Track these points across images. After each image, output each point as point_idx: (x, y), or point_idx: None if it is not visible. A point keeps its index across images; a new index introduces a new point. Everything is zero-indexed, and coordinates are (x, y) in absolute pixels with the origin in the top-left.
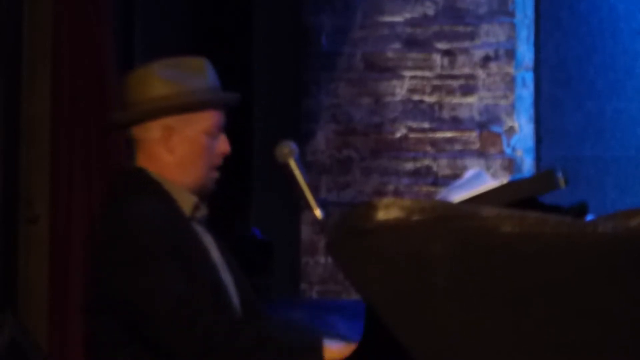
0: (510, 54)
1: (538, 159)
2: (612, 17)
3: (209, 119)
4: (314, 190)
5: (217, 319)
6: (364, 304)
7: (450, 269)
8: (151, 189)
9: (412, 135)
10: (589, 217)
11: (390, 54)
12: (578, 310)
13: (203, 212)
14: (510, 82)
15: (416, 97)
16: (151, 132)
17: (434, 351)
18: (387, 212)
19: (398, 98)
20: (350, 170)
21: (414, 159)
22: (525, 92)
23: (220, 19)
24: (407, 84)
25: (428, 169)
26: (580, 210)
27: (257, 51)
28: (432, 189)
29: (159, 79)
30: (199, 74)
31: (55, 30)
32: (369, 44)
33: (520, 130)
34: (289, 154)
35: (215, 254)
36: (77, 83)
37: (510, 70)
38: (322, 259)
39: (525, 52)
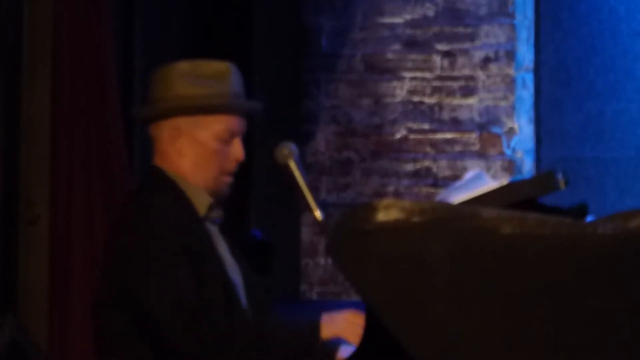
0: (511, 55)
1: (538, 160)
2: (612, 19)
3: (221, 123)
4: (314, 192)
5: (220, 320)
6: (364, 305)
7: (450, 270)
8: (166, 187)
9: (412, 136)
10: (589, 218)
11: (390, 55)
12: (578, 311)
13: (217, 213)
14: (510, 84)
15: (416, 99)
16: (163, 131)
17: (434, 352)
18: (387, 213)
19: (398, 99)
20: (350, 172)
21: (414, 160)
22: (526, 94)
23: (220, 20)
24: (407, 85)
25: (428, 170)
26: (580, 211)
27: (257, 52)
28: (432, 190)
29: (177, 79)
30: (219, 78)
31: (55, 30)
32: (369, 45)
33: (520, 131)
34: (288, 155)
35: (226, 254)
36: (77, 83)
37: (511, 71)
38: (322, 260)
39: (525, 53)
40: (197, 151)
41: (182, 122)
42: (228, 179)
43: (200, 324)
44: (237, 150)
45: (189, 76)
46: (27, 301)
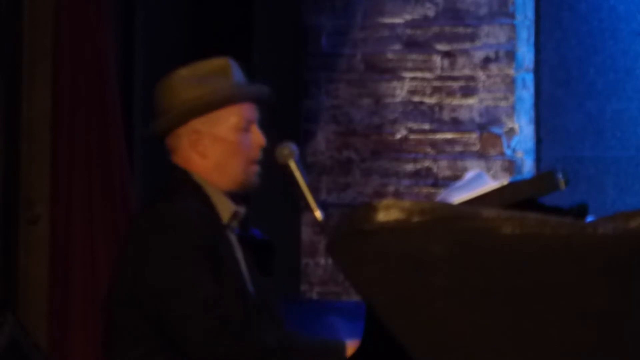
0: (511, 56)
1: (538, 160)
2: (612, 18)
3: (236, 114)
4: (314, 192)
5: (244, 325)
6: (364, 305)
7: (451, 271)
8: (192, 191)
9: (412, 136)
10: (590, 219)
11: (390, 55)
12: (578, 311)
13: (237, 223)
14: (511, 84)
15: (416, 99)
16: (180, 139)
17: (434, 352)
18: (387, 213)
19: (398, 99)
20: (350, 172)
21: (414, 160)
22: (526, 94)
23: (220, 20)
24: (407, 85)
25: (428, 170)
26: (580, 211)
27: (257, 52)
28: (432, 190)
29: (182, 84)
30: (221, 73)
31: (55, 30)
32: (369, 45)
33: (521, 131)
34: (289, 155)
35: (242, 263)
36: (77, 83)
37: (511, 71)
38: (322, 260)
39: (526, 53)
40: (221, 148)
41: (198, 123)
42: (255, 168)
43: (223, 329)
44: (257, 136)
45: (192, 79)
46: (27, 301)
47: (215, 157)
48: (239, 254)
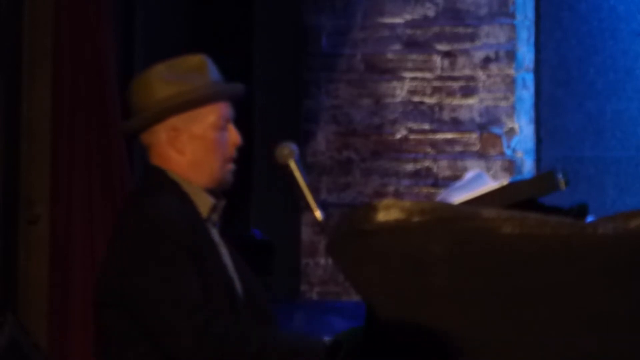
0: (511, 56)
1: (538, 160)
2: (612, 18)
3: (214, 112)
4: (314, 192)
5: (229, 325)
6: (364, 305)
7: (450, 271)
8: (170, 188)
9: (412, 136)
10: (590, 219)
11: (390, 55)
12: (578, 311)
13: (218, 216)
14: (511, 84)
15: (416, 99)
16: (159, 136)
17: (433, 352)
18: (387, 213)
19: (398, 99)
20: (350, 172)
21: (414, 160)
22: (526, 94)
23: (221, 19)
24: (407, 85)
25: (428, 170)
26: (580, 211)
27: (257, 52)
28: (432, 190)
29: (159, 81)
30: (198, 70)
31: (55, 30)
32: (369, 45)
33: (521, 131)
34: (289, 155)
35: (227, 259)
36: (77, 83)
37: (511, 71)
38: (322, 260)
39: (526, 53)
40: (198, 145)
41: (177, 120)
42: (231, 166)
43: (209, 330)
44: (234, 135)
45: (169, 76)
46: (27, 301)
47: (193, 154)
48: (222, 248)
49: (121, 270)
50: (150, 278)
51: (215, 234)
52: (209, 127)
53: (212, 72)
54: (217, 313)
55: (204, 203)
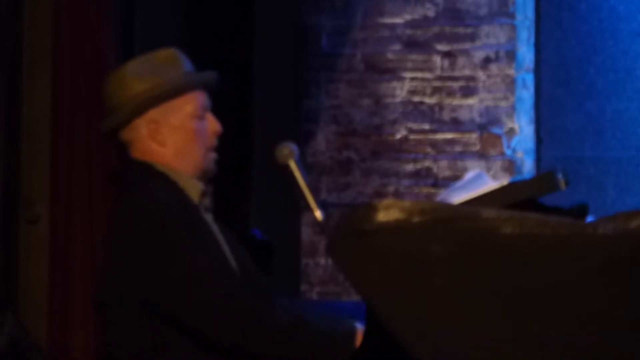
0: (511, 56)
1: (538, 160)
2: (612, 18)
3: (191, 102)
4: (314, 192)
5: (253, 301)
6: (364, 305)
7: (450, 271)
8: (159, 179)
9: (412, 136)
10: (590, 219)
11: (390, 56)
12: (578, 311)
13: (209, 201)
14: (511, 84)
15: (416, 99)
16: (139, 131)
17: (434, 352)
18: (387, 213)
19: (398, 99)
20: (350, 172)
21: (414, 161)
22: (526, 94)
23: (221, 19)
24: (407, 85)
25: (428, 170)
26: (580, 211)
27: (257, 52)
28: (432, 190)
29: (133, 77)
30: (171, 63)
31: (55, 30)
32: (369, 45)
33: (521, 131)
34: (289, 155)
35: (222, 242)
36: (77, 83)
37: (511, 71)
38: (322, 260)
39: (526, 53)
40: (179, 136)
41: (155, 113)
42: (213, 155)
43: (233, 307)
44: (212, 123)
45: (143, 71)
46: (27, 301)
47: (175, 145)
48: (217, 233)
49: (126, 266)
50: (159, 265)
51: (209, 219)
52: (187, 117)
53: (185, 63)
54: (235, 291)
55: (194, 189)
